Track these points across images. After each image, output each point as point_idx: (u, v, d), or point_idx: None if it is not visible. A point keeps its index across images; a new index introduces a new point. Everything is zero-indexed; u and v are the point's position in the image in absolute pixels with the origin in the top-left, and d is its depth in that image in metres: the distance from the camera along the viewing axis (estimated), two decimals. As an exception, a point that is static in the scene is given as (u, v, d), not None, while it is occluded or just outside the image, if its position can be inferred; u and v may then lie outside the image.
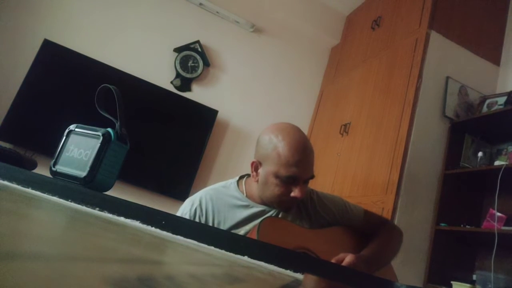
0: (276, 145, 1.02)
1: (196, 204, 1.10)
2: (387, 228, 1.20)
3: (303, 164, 1.02)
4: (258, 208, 1.10)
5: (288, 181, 1.02)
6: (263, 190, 1.07)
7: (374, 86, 2.67)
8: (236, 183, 1.16)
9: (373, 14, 3.09)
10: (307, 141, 1.06)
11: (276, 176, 1.02)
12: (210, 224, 1.08)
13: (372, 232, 1.18)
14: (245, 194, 1.13)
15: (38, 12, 2.85)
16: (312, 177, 1.07)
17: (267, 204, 1.11)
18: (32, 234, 0.24)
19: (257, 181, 1.08)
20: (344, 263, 0.96)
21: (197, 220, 1.09)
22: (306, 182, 1.06)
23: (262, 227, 0.96)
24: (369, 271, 1.01)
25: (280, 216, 1.12)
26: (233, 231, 1.07)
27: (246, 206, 1.11)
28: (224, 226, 1.08)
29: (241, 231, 1.07)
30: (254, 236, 0.95)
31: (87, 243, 0.27)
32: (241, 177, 1.19)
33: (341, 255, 0.99)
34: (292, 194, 1.02)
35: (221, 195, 1.12)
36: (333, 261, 0.97)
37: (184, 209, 1.11)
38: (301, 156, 1.01)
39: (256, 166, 1.08)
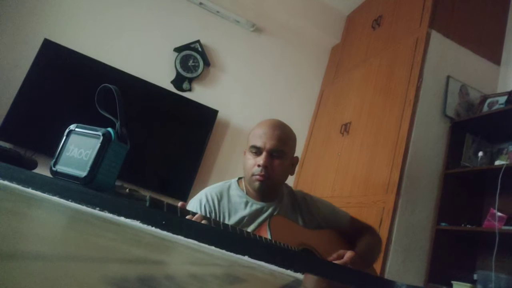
0: (253, 128, 1.19)
1: (204, 201, 1.16)
2: (371, 233, 1.28)
3: (267, 135, 1.12)
4: (257, 205, 1.16)
5: (254, 151, 1.13)
6: (244, 170, 1.17)
7: (374, 85, 2.67)
8: (236, 182, 1.23)
9: (373, 14, 3.09)
10: (280, 123, 1.18)
11: (248, 150, 1.15)
12: (221, 216, 1.14)
13: (357, 236, 1.24)
14: (245, 192, 1.19)
15: (38, 12, 2.85)
16: (279, 151, 1.13)
17: (265, 201, 1.17)
18: (32, 234, 0.24)
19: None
20: (345, 258, 1.01)
21: (208, 216, 1.13)
22: (272, 155, 1.13)
23: (272, 224, 1.02)
24: (364, 268, 1.08)
25: (280, 214, 1.17)
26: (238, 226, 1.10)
27: (247, 203, 1.17)
28: (230, 220, 1.14)
29: (248, 229, 1.12)
30: (264, 233, 1.00)
31: (87, 243, 0.27)
32: (240, 178, 1.26)
33: (341, 251, 1.04)
34: (258, 163, 1.11)
35: (224, 192, 1.20)
36: (334, 255, 1.03)
37: (193, 208, 1.15)
38: (267, 129, 1.14)
39: (244, 153, 1.19)
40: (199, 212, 1.11)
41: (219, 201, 1.16)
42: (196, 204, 1.16)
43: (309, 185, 2.97)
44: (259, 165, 1.10)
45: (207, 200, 1.15)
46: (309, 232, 1.15)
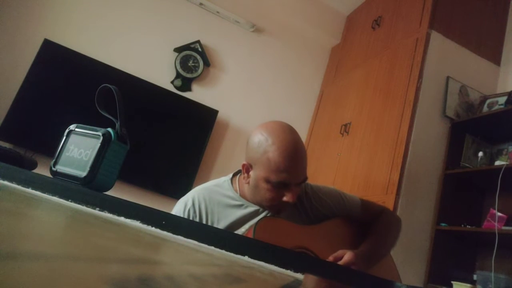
0: (266, 150, 0.97)
1: (189, 205, 1.07)
2: (385, 217, 1.18)
3: (295, 169, 0.98)
4: (252, 207, 1.07)
5: (279, 186, 0.98)
6: (254, 193, 1.04)
7: (374, 86, 2.67)
8: (229, 181, 1.12)
9: (373, 14, 3.09)
10: (298, 143, 1.01)
11: (267, 181, 0.98)
12: (209, 221, 1.06)
13: (371, 221, 1.16)
14: (238, 193, 1.09)
15: (38, 12, 2.85)
16: (305, 179, 1.03)
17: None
18: (32, 234, 0.24)
19: (248, 183, 1.05)
20: (342, 261, 0.95)
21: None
22: (298, 185, 1.02)
23: (258, 228, 0.93)
24: (368, 266, 1.00)
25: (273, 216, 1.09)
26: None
27: (240, 206, 1.07)
28: (218, 226, 1.05)
29: (238, 233, 1.06)
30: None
31: (87, 243, 0.27)
32: (235, 174, 1.15)
33: (339, 253, 0.97)
34: (284, 199, 0.99)
35: (214, 194, 1.09)
36: (330, 258, 0.96)
37: (178, 211, 1.08)
38: (292, 161, 0.97)
39: (247, 168, 1.04)
40: (182, 216, 1.04)
41: (207, 205, 1.06)
42: (181, 207, 1.07)
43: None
44: (286, 200, 0.99)
45: (193, 204, 1.06)
46: (308, 231, 1.06)
